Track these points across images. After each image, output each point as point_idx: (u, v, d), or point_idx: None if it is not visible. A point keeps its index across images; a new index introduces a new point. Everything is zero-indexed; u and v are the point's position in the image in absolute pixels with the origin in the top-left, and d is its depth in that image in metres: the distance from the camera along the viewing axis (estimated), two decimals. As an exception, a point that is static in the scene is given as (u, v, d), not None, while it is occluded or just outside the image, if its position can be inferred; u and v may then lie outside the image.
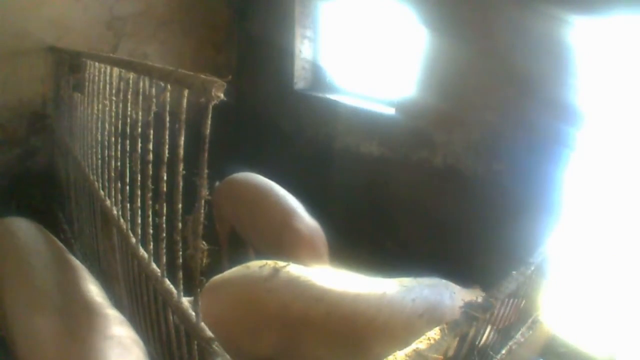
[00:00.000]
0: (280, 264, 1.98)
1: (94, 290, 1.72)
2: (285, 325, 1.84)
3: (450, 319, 1.80)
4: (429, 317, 1.86)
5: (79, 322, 1.49)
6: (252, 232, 2.91)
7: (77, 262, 1.96)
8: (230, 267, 2.09)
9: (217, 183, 3.10)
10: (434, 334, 1.47)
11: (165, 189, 1.41)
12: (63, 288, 1.68)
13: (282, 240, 2.57)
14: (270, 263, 1.98)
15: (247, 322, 1.85)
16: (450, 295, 1.95)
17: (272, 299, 1.84)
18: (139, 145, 1.58)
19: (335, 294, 1.89)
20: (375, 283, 1.99)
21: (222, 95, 1.08)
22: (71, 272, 1.82)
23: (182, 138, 1.28)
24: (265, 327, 1.84)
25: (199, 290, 1.28)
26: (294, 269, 1.97)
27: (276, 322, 1.84)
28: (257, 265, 1.97)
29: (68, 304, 1.58)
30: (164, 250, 1.48)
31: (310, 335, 1.85)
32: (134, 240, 1.73)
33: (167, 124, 1.39)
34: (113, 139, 1.95)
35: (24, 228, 2.14)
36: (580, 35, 2.20)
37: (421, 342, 1.38)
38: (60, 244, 2.14)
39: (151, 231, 1.57)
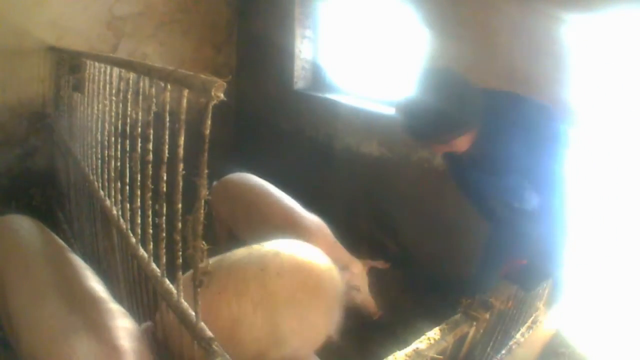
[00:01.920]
0: None
1: (97, 286, 1.73)
2: None
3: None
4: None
5: (84, 314, 1.49)
6: (249, 233, 2.90)
7: (79, 260, 1.96)
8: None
9: (215, 183, 3.09)
10: (434, 334, 1.47)
11: (165, 189, 1.41)
12: (67, 283, 1.68)
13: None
14: None
15: None
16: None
17: None
18: (139, 145, 1.58)
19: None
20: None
21: (222, 95, 1.08)
22: (74, 269, 1.82)
23: (182, 138, 1.28)
24: None
25: (198, 290, 1.28)
26: None
27: None
28: None
29: (72, 297, 1.59)
30: (164, 250, 1.48)
31: None
32: (134, 240, 1.73)
33: (167, 124, 1.39)
34: (113, 139, 1.95)
35: (25, 226, 2.13)
36: (579, 35, 2.20)
37: (421, 341, 1.38)
38: (62, 242, 2.13)
39: (151, 231, 1.57)
